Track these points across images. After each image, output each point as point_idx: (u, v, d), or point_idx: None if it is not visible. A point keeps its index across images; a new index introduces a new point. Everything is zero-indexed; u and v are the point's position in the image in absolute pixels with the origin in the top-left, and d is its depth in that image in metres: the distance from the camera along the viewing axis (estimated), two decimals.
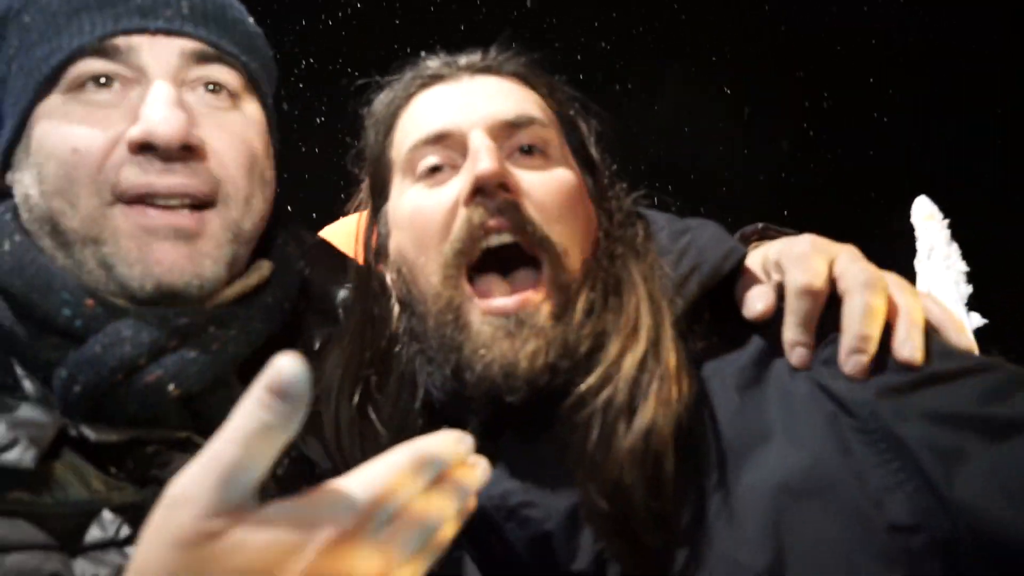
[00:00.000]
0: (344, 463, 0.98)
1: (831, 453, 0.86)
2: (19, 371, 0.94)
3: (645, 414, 0.89)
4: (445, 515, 0.67)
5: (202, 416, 0.98)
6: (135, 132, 0.95)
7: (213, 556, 0.59)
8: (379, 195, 1.13)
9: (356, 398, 1.05)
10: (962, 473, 0.80)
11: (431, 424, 1.02)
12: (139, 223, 0.96)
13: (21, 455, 0.85)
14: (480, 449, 0.89)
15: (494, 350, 0.93)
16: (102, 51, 0.96)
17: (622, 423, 0.89)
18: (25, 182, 0.98)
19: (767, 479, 0.87)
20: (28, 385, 0.94)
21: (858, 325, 0.89)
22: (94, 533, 0.88)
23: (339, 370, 1.07)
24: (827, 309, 0.94)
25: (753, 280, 1.02)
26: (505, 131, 1.03)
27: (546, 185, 1.02)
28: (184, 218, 0.97)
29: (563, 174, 1.05)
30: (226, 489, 0.59)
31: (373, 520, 0.62)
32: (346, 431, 1.04)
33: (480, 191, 0.97)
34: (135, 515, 0.88)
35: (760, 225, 1.16)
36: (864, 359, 0.88)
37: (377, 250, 1.13)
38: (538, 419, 0.95)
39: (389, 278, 1.11)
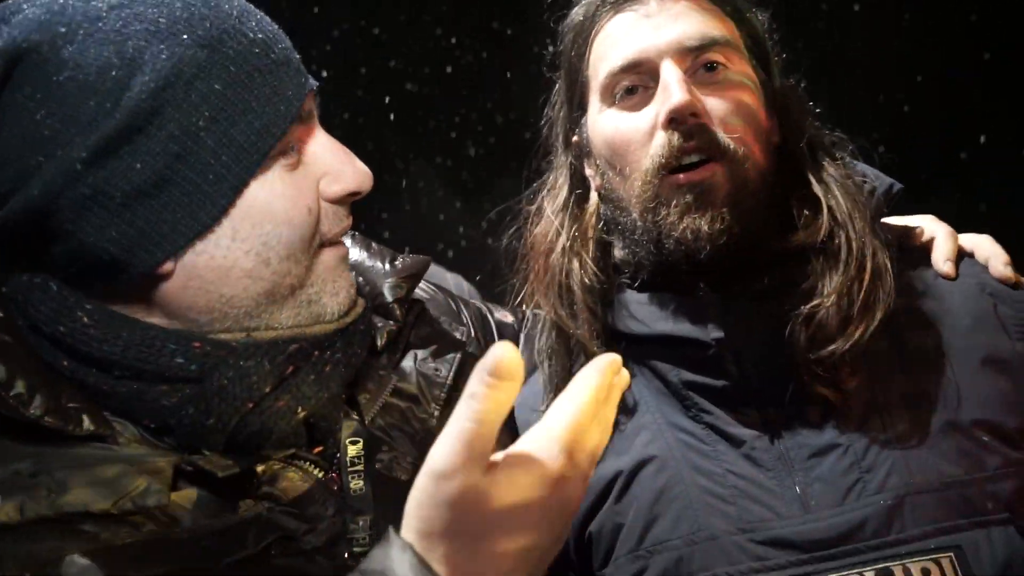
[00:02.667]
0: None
1: (996, 333, 1.19)
2: (117, 427, 0.96)
3: (868, 315, 1.15)
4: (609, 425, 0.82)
5: (315, 428, 1.05)
6: (351, 185, 1.04)
7: (491, 505, 0.73)
8: (576, 105, 1.32)
9: (563, 261, 1.29)
10: None
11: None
12: (338, 256, 1.06)
13: (156, 496, 0.90)
14: (682, 304, 1.22)
15: (685, 220, 1.16)
16: (299, 118, 1.00)
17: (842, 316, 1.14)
18: (232, 258, 0.96)
19: (962, 355, 1.17)
20: (131, 433, 0.97)
21: (1001, 253, 1.28)
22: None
23: (551, 239, 1.32)
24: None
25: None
26: (690, 54, 1.19)
27: (727, 101, 1.20)
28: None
29: (742, 87, 1.21)
30: (477, 457, 0.73)
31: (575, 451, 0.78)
32: (558, 285, 1.29)
33: (674, 119, 1.15)
34: (260, 529, 0.95)
35: None
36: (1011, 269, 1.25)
37: (578, 152, 1.33)
38: (731, 275, 1.19)
39: (589, 173, 1.32)
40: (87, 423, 0.92)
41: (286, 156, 0.99)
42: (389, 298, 1.20)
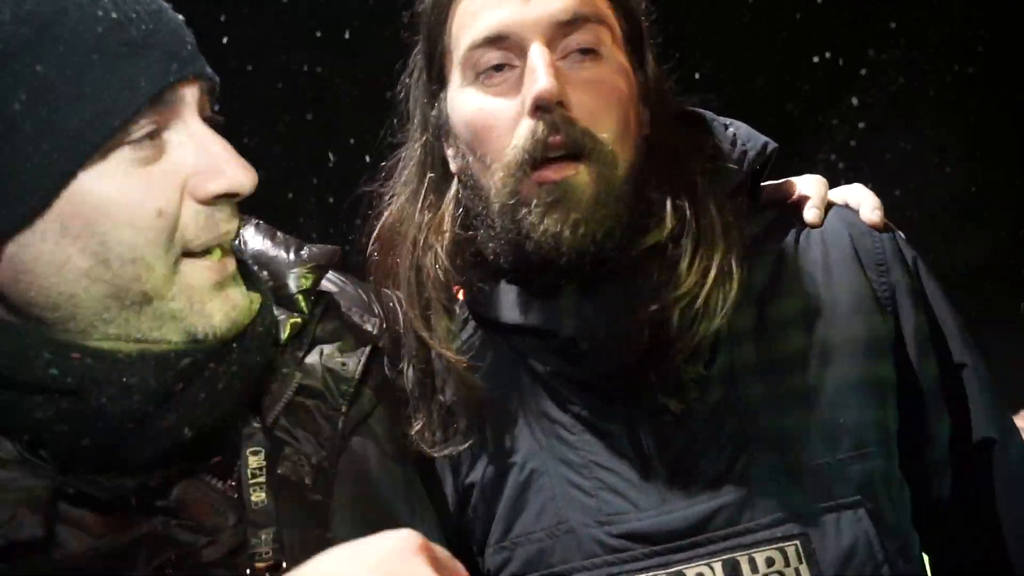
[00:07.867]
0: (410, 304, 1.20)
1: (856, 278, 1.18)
2: None
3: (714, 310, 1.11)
4: None
5: (211, 439, 0.98)
6: (223, 185, 0.93)
7: None
8: (436, 76, 1.20)
9: (415, 254, 1.21)
10: None
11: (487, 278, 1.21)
12: (208, 278, 0.95)
13: (29, 528, 0.84)
14: (542, 296, 1.15)
15: (545, 222, 1.08)
16: (157, 104, 0.89)
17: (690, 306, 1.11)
18: (63, 254, 0.88)
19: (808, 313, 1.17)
20: (6, 451, 0.89)
21: (871, 198, 1.27)
22: None
23: (402, 230, 1.23)
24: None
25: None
26: (561, 31, 1.09)
27: (597, 89, 1.10)
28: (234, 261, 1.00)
29: (614, 74, 1.12)
30: None
31: None
32: (408, 282, 1.21)
33: (540, 107, 1.06)
34: (154, 547, 0.90)
35: None
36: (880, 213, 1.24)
37: (437, 130, 1.21)
38: (594, 278, 1.13)
39: (449, 154, 1.21)
40: None
41: (136, 148, 0.89)
42: (293, 289, 1.12)
